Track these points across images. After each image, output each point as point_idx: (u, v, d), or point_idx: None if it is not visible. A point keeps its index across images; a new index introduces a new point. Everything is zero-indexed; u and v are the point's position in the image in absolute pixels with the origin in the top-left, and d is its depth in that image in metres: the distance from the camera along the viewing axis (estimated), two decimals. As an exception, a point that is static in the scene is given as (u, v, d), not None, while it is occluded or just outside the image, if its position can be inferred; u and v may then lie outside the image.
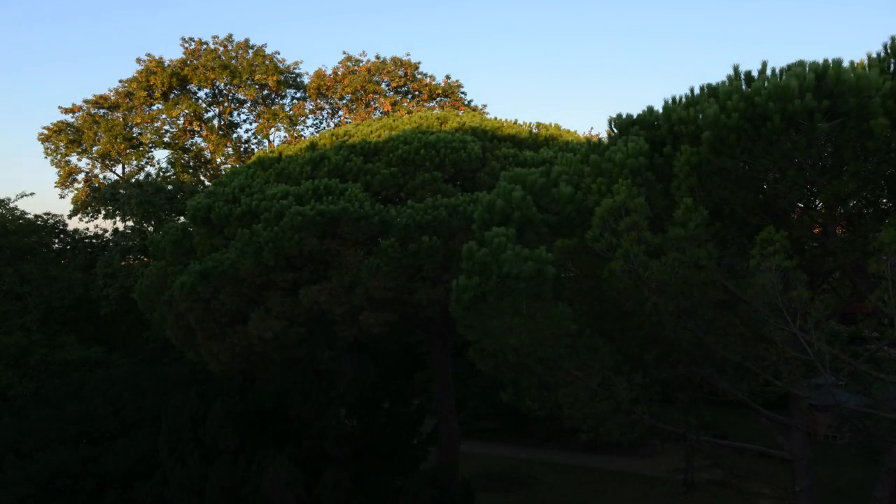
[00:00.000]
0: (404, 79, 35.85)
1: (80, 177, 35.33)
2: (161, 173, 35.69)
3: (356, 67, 36.12)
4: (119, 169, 35.96)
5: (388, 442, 19.42)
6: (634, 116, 10.82)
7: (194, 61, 34.03)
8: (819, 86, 8.18)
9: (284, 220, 14.33)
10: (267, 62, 34.65)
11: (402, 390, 20.39)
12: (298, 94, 37.68)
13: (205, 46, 34.52)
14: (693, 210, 8.83)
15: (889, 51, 8.77)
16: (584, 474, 25.20)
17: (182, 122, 35.04)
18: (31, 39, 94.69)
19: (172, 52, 65.93)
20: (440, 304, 14.72)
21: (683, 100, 10.02)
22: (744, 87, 8.93)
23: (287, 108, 36.56)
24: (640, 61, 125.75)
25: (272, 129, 36.54)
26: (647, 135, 10.29)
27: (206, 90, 35.52)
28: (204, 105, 35.64)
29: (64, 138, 34.08)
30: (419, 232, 14.44)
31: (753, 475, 19.46)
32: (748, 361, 10.37)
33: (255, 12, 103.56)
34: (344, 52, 49.81)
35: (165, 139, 35.28)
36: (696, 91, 9.89)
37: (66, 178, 34.99)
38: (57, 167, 34.73)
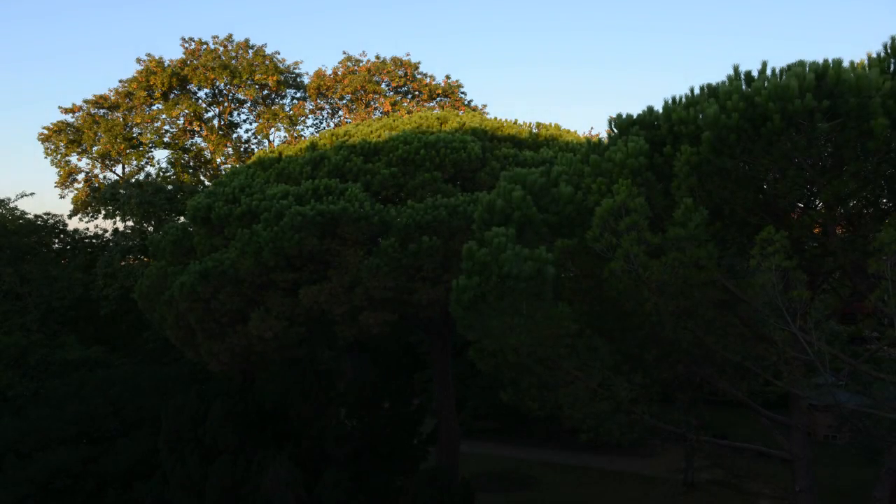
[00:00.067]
0: (404, 79, 35.86)
1: (80, 177, 35.39)
2: (161, 173, 35.72)
3: (356, 67, 36.13)
4: (119, 169, 36.02)
5: (388, 442, 19.42)
6: (634, 116, 10.82)
7: (194, 61, 34.03)
8: (819, 86, 8.18)
9: (284, 220, 14.33)
10: (267, 62, 34.66)
11: (402, 390, 20.39)
12: (298, 94, 37.71)
13: (205, 46, 34.53)
14: (693, 210, 8.83)
15: (889, 51, 8.77)
16: (584, 474, 25.20)
17: (182, 122, 35.06)
18: (32, 39, 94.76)
19: (172, 52, 65.97)
20: (440, 304, 14.72)
21: (683, 100, 10.02)
22: (744, 87, 8.93)
23: (287, 108, 36.57)
24: (640, 58, 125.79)
25: (272, 129, 36.58)
26: (647, 135, 10.28)
27: (206, 90, 35.53)
28: (204, 105, 35.67)
29: (64, 138, 34.09)
30: (419, 232, 14.44)
31: (753, 475, 19.41)
32: (748, 361, 10.38)
33: (255, 12, 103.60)
34: (344, 52, 49.79)
35: (165, 139, 35.30)
36: (696, 91, 9.90)
37: (66, 178, 35.00)
38: (57, 167, 34.79)
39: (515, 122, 20.16)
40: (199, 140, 36.37)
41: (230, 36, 34.84)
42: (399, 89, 36.23)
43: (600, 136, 24.81)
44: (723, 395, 12.11)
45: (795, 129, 8.26)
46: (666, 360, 11.07)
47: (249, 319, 15.28)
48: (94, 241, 33.82)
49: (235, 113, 37.14)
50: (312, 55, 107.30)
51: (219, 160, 36.00)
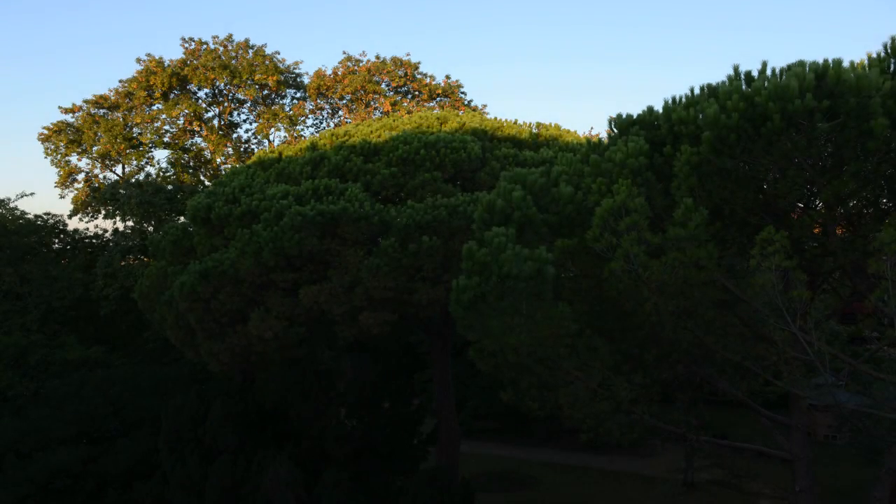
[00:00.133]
0: (404, 79, 35.85)
1: (80, 177, 35.37)
2: (161, 173, 35.72)
3: (356, 67, 36.11)
4: (119, 169, 36.00)
5: (388, 442, 19.42)
6: (634, 116, 10.82)
7: (194, 61, 34.02)
8: (819, 86, 8.18)
9: (284, 220, 14.33)
10: (267, 62, 34.65)
11: (402, 390, 20.39)
12: (298, 94, 37.69)
13: (205, 46, 34.51)
14: (693, 210, 8.83)
15: (889, 51, 8.77)
16: (584, 474, 25.20)
17: (182, 122, 35.04)
18: (32, 39, 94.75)
19: (172, 52, 66.03)
20: (440, 304, 14.72)
21: (683, 100, 10.02)
22: (744, 87, 8.93)
23: (287, 108, 36.56)
24: (640, 55, 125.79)
25: (272, 129, 36.57)
26: (647, 135, 10.28)
27: (206, 90, 35.52)
28: (204, 105, 35.65)
29: (64, 138, 34.08)
30: (419, 232, 14.44)
31: (753, 475, 19.41)
32: (748, 361, 10.37)
33: (255, 12, 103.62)
34: (344, 52, 49.82)
35: (165, 139, 35.29)
36: (696, 91, 9.90)
37: (66, 178, 34.99)
38: (57, 167, 34.77)
39: (515, 122, 20.16)
40: (199, 140, 36.39)
41: (230, 36, 34.87)
42: (399, 89, 36.22)
43: (600, 136, 24.83)
44: (723, 395, 12.10)
45: (795, 129, 8.25)
46: (666, 360, 11.07)
47: (249, 319, 15.28)
48: (94, 241, 33.81)
49: (235, 113, 37.16)
50: (312, 55, 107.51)
51: (219, 160, 36.00)
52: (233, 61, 34.34)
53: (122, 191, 29.99)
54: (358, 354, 21.19)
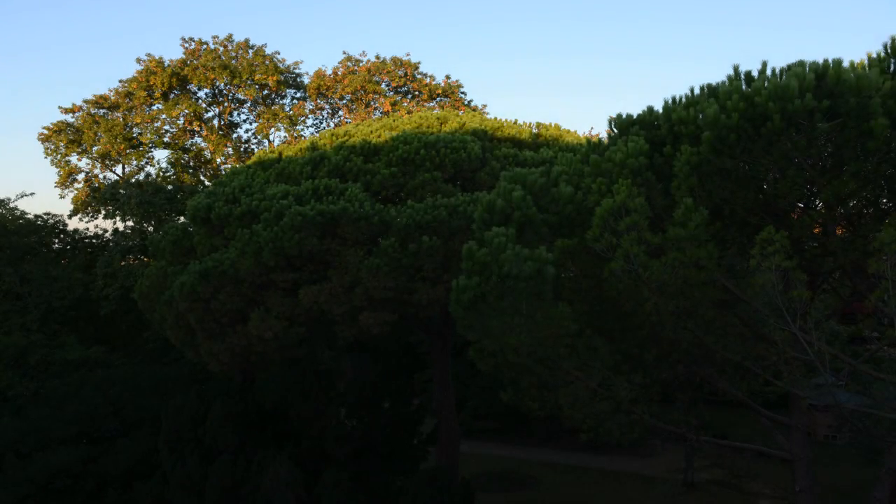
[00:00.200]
0: (404, 79, 35.84)
1: (80, 177, 35.37)
2: (161, 173, 35.70)
3: (356, 67, 36.11)
4: (119, 169, 36.00)
5: (388, 442, 19.42)
6: (634, 116, 10.82)
7: (194, 61, 34.02)
8: (819, 86, 8.18)
9: (284, 220, 14.33)
10: (267, 62, 34.65)
11: (402, 390, 20.39)
12: (298, 94, 37.69)
13: (205, 46, 34.52)
14: (693, 210, 8.82)
15: (889, 51, 8.77)
16: (584, 474, 25.20)
17: (182, 122, 35.04)
18: (32, 39, 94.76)
19: (172, 52, 66.03)
20: (440, 304, 14.72)
21: (683, 100, 10.02)
22: (744, 87, 8.93)
23: (287, 108, 36.56)
24: (641, 53, 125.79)
25: (272, 129, 36.57)
26: (647, 135, 10.28)
27: (206, 90, 35.52)
28: (204, 105, 35.65)
29: (64, 138, 34.08)
30: (419, 232, 14.44)
31: (753, 475, 19.43)
32: (748, 361, 10.37)
33: (255, 12, 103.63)
34: (344, 52, 49.82)
35: (165, 139, 35.28)
36: (696, 91, 9.90)
37: (66, 178, 34.99)
38: (57, 167, 34.77)
39: (515, 123, 20.16)
40: (199, 140, 36.38)
41: (230, 36, 34.87)
42: (399, 89, 36.22)
43: (600, 136, 24.82)
44: (723, 395, 12.11)
45: (795, 129, 8.25)
46: (666, 360, 11.07)
47: (249, 319, 15.28)
48: (94, 241, 33.82)
49: (235, 113, 37.16)
50: (312, 55, 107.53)
51: (219, 160, 36.00)
52: (233, 61, 34.34)
53: (122, 191, 29.99)
54: (358, 354, 21.21)
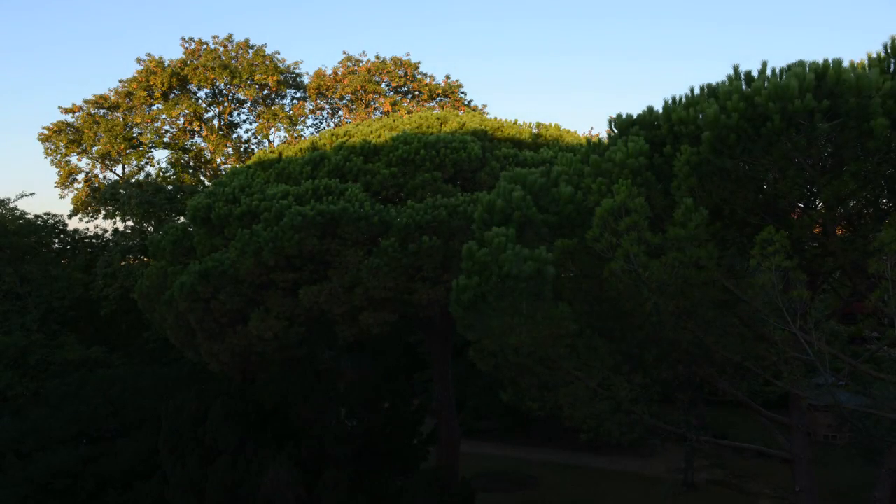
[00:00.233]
0: (404, 79, 35.83)
1: (80, 177, 35.34)
2: (161, 173, 35.70)
3: (356, 67, 36.10)
4: (119, 169, 35.99)
5: (388, 442, 19.40)
6: (634, 116, 10.83)
7: (194, 61, 34.01)
8: (819, 86, 8.17)
9: (284, 220, 14.33)
10: (267, 62, 34.63)
11: (402, 390, 20.38)
12: (298, 94, 37.67)
13: (205, 46, 34.50)
14: (693, 210, 8.83)
15: (889, 51, 8.77)
16: (584, 474, 25.20)
17: (182, 122, 35.02)
18: (32, 39, 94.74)
19: (172, 52, 66.01)
20: (440, 304, 14.72)
21: (683, 100, 10.02)
22: (744, 87, 8.93)
23: (287, 108, 36.54)
24: (641, 52, 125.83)
25: (272, 129, 36.54)
26: (647, 135, 10.29)
27: (206, 90, 35.50)
28: (204, 105, 35.63)
29: (64, 138, 34.07)
30: (419, 232, 14.44)
31: (753, 475, 19.44)
32: (748, 361, 10.37)
33: (255, 12, 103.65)
34: (344, 52, 49.85)
35: (165, 139, 35.27)
36: (696, 91, 9.90)
37: (66, 178, 34.98)
38: (57, 167, 34.74)
39: (515, 123, 20.16)
40: (199, 140, 36.35)
41: (230, 36, 34.85)
42: (399, 89, 36.21)
43: (600, 136, 24.82)
44: (723, 395, 12.10)
45: (795, 129, 8.25)
46: (666, 360, 11.07)
47: (249, 319, 15.28)
48: (94, 241, 33.82)
49: (235, 113, 37.13)
50: (312, 55, 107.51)
51: (219, 160, 35.98)
52: (233, 61, 34.33)
53: (122, 191, 29.98)
54: (358, 354, 21.20)
